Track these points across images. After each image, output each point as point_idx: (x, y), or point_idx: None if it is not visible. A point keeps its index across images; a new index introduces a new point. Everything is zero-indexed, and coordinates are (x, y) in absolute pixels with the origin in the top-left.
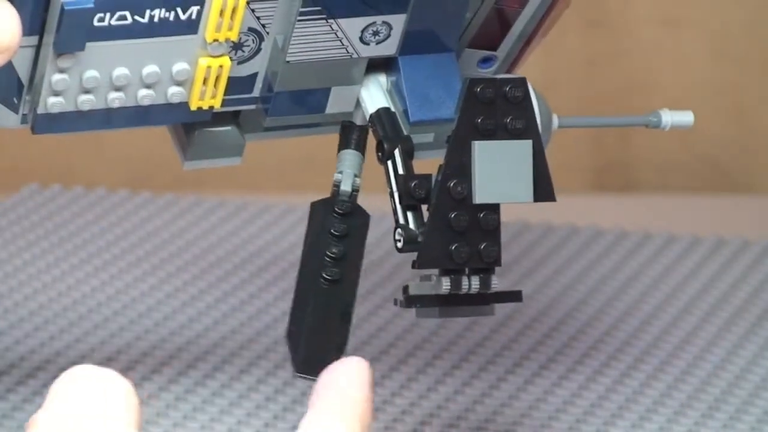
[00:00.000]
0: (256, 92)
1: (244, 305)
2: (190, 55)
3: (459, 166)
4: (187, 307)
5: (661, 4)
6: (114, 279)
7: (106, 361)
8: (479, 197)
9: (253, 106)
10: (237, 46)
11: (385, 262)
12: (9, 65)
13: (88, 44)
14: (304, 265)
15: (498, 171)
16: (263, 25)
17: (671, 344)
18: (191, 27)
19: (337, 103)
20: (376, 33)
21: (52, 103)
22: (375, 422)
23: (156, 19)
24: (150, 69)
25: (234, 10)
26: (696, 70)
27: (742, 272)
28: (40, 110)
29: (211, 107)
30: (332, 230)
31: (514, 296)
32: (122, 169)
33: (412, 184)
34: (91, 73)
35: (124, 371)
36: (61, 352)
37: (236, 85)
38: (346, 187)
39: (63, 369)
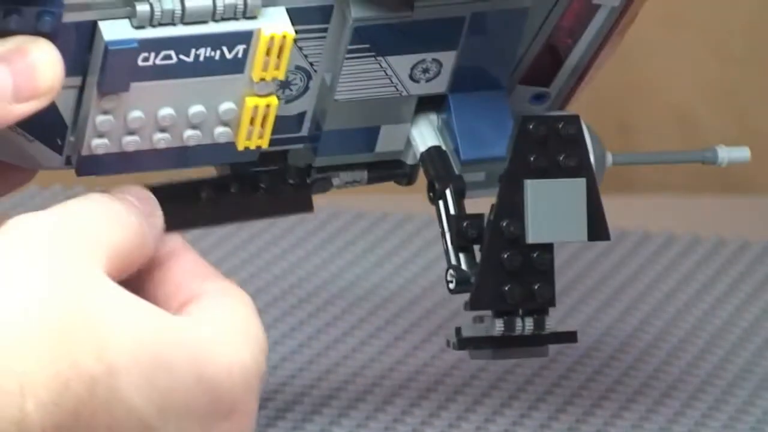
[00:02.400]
0: (304, 131)
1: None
2: (236, 94)
3: (511, 205)
4: None
5: (661, 4)
6: None
7: None
8: (532, 237)
9: (301, 146)
10: (284, 85)
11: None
12: (53, 106)
13: (133, 84)
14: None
15: (551, 210)
16: (311, 63)
17: (671, 344)
18: (237, 66)
19: (386, 142)
20: (426, 71)
21: (96, 145)
22: None
23: (201, 59)
24: (196, 109)
25: (281, 49)
26: (696, 70)
27: (742, 272)
28: (84, 152)
29: (259, 147)
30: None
31: (569, 337)
32: None
33: (464, 225)
34: (135, 114)
35: None
36: None
37: (284, 124)
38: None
39: None
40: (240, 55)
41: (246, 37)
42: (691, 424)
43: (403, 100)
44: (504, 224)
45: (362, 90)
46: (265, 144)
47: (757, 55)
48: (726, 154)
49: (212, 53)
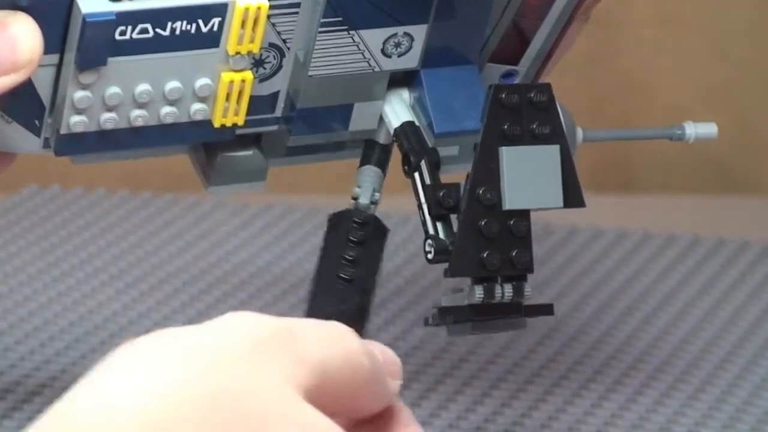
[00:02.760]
0: (278, 112)
1: (243, 306)
2: (212, 70)
3: (487, 172)
4: (186, 308)
5: (661, 4)
6: (114, 279)
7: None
8: (509, 203)
9: (275, 127)
10: (258, 63)
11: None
12: (30, 86)
13: (111, 60)
14: (320, 270)
15: (527, 177)
16: (284, 41)
17: (671, 344)
18: (213, 40)
19: (360, 120)
20: (397, 45)
21: (75, 122)
22: None
23: (178, 32)
24: (172, 85)
25: (256, 21)
26: (696, 70)
27: (742, 272)
28: (62, 130)
29: (235, 125)
30: (350, 236)
31: (546, 309)
32: (122, 170)
33: (441, 194)
34: (113, 90)
35: None
36: (61, 352)
37: (258, 105)
38: (364, 200)
39: (62, 369)
40: (215, 29)
41: (221, 10)
42: (691, 424)
43: (375, 76)
44: (480, 191)
45: (335, 66)
46: (240, 121)
47: (757, 56)
48: (693, 129)
49: (188, 27)
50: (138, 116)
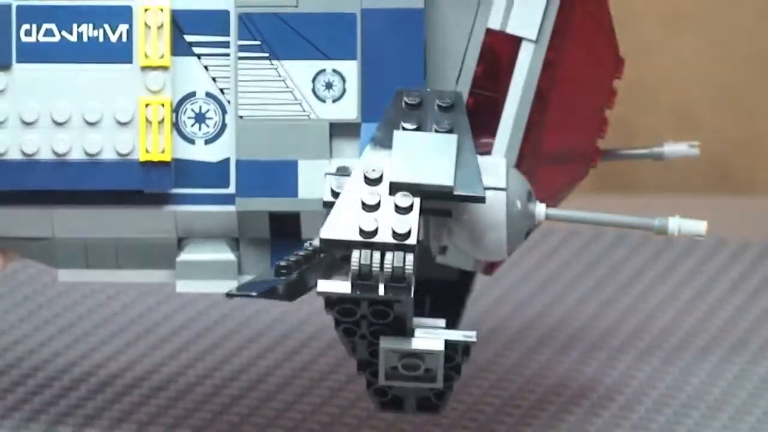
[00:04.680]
0: (233, 188)
1: (244, 306)
2: (129, 90)
3: (377, 156)
4: (187, 308)
5: (661, 4)
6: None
7: (106, 361)
8: (395, 176)
9: (232, 208)
10: (199, 118)
11: None
12: None
13: (21, 66)
14: None
15: (417, 157)
16: (221, 90)
17: (671, 344)
18: (125, 54)
19: (309, 184)
20: (329, 85)
21: None
22: None
23: (85, 39)
24: (91, 104)
25: (161, 27)
26: (697, 70)
27: (742, 273)
28: None
29: (165, 163)
30: None
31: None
32: None
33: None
34: (30, 104)
35: (125, 371)
36: (61, 352)
37: (207, 175)
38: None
39: (62, 369)
40: (124, 39)
41: (125, 14)
42: (691, 424)
43: (313, 126)
44: (368, 168)
45: (266, 105)
46: (168, 158)
47: (758, 56)
48: (677, 225)
49: (95, 32)
50: (61, 140)
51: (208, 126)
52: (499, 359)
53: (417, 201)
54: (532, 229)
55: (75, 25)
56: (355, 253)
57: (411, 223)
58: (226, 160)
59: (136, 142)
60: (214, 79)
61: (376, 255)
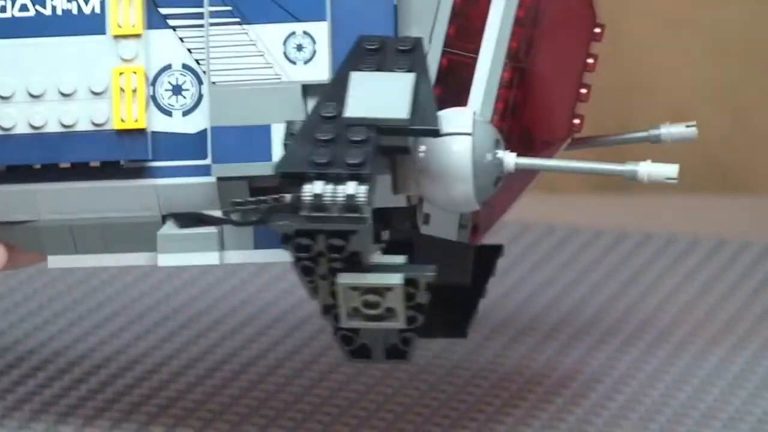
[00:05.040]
0: (210, 158)
1: (244, 305)
2: (103, 61)
3: (335, 93)
4: (187, 307)
5: (660, 4)
6: (114, 278)
7: (107, 362)
8: (349, 112)
9: (212, 179)
10: (176, 90)
11: None
12: None
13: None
14: None
15: (373, 94)
16: (197, 61)
17: (671, 344)
18: (98, 25)
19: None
20: (300, 47)
21: None
22: None
23: (59, 12)
24: (66, 76)
25: None
26: (696, 70)
27: (742, 273)
28: None
29: (140, 131)
30: None
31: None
32: None
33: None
34: (4, 78)
35: (126, 370)
36: (61, 352)
37: (186, 146)
38: None
39: (62, 369)
40: (98, 10)
41: None
42: (691, 424)
43: (285, 88)
44: (323, 108)
45: (238, 71)
46: (143, 125)
47: (757, 55)
48: (647, 170)
49: (69, 5)
50: (37, 113)
51: (185, 98)
52: (499, 359)
53: (372, 135)
54: (501, 178)
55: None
56: (308, 185)
57: (365, 153)
58: (204, 131)
59: (111, 112)
60: (189, 50)
61: (330, 186)
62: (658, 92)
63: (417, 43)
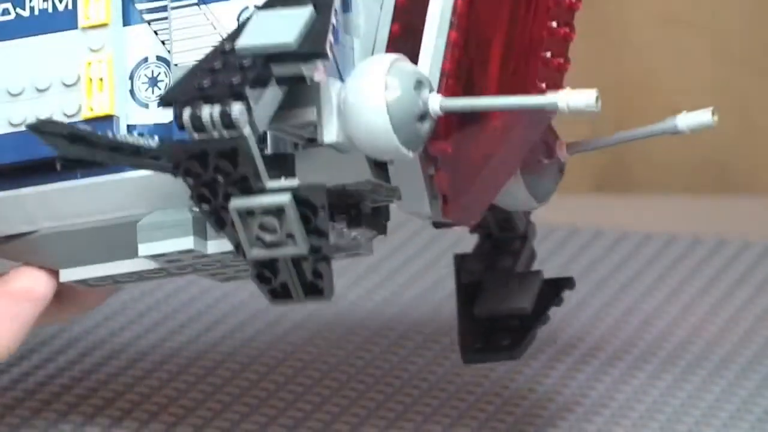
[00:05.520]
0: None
1: (244, 305)
2: (74, 54)
3: (238, 32)
4: (187, 307)
5: (660, 4)
6: None
7: (107, 361)
8: (240, 43)
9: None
10: (152, 82)
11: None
12: None
13: None
14: None
15: (267, 25)
16: (169, 52)
17: (671, 344)
18: (70, 21)
19: None
20: None
21: None
22: None
23: (36, 12)
24: (41, 72)
25: None
26: (696, 70)
27: (743, 273)
28: None
29: (109, 117)
30: None
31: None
32: None
33: None
34: None
35: (126, 369)
36: (61, 351)
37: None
38: None
39: (62, 367)
40: (70, 7)
41: None
42: (692, 423)
43: None
44: (226, 44)
45: (198, 50)
46: (111, 111)
47: (757, 55)
48: (566, 99)
49: (44, 4)
50: (15, 111)
51: (160, 89)
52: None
53: (260, 61)
54: (427, 120)
55: (27, 1)
56: (187, 108)
57: (249, 77)
58: None
59: (82, 103)
60: (163, 42)
61: (209, 108)
62: (658, 92)
63: None
